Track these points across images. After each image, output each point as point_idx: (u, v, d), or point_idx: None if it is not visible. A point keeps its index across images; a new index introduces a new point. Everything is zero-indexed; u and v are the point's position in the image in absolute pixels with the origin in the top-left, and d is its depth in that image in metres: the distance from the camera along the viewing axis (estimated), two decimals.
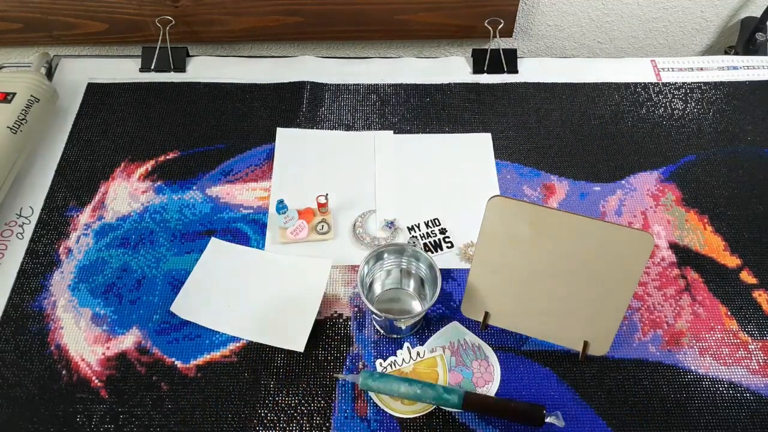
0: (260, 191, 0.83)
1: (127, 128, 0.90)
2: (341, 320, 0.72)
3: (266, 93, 0.94)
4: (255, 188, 0.84)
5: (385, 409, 0.65)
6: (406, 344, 0.69)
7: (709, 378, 0.69)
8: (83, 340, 0.70)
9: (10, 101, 0.84)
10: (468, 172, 0.86)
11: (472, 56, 0.99)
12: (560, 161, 0.87)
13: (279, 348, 0.69)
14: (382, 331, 0.71)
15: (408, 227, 0.80)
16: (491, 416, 0.65)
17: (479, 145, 0.89)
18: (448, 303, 0.74)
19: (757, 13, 1.07)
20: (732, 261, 0.78)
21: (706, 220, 0.82)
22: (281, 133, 0.90)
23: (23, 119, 0.83)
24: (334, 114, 0.92)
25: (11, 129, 0.81)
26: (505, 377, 0.68)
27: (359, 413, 0.66)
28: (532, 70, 0.98)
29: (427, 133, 0.90)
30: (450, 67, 0.99)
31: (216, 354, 0.69)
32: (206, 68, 0.97)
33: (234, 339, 0.70)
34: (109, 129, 0.90)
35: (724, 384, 0.68)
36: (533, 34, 1.12)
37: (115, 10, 0.98)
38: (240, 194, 0.83)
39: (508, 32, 1.04)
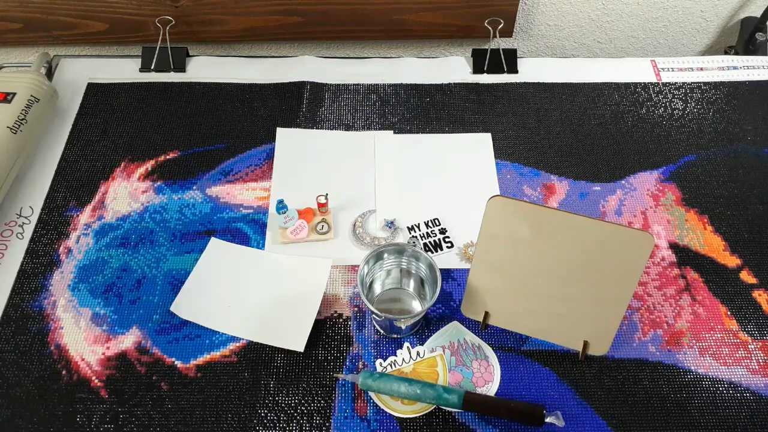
0: (260, 191, 0.83)
1: (127, 128, 0.90)
2: (341, 320, 0.72)
3: (266, 93, 0.94)
4: (255, 188, 0.84)
5: (385, 409, 0.65)
6: (406, 344, 0.69)
7: (709, 378, 0.69)
8: (83, 340, 0.70)
9: (10, 101, 0.84)
10: (468, 172, 0.86)
11: (472, 56, 0.99)
12: (560, 161, 0.87)
13: (279, 348, 0.69)
14: (382, 331, 0.71)
15: (408, 227, 0.80)
16: (491, 416, 0.65)
17: (479, 145, 0.89)
18: (448, 303, 0.74)
19: (757, 13, 1.07)
20: (732, 261, 0.78)
21: (706, 220, 0.82)
22: (281, 133, 0.90)
23: (23, 119, 0.83)
24: (334, 114, 0.92)
25: (11, 129, 0.81)
26: (505, 377, 0.68)
27: (359, 413, 0.66)
28: (532, 70, 0.98)
29: (427, 133, 0.90)
30: (450, 67, 0.99)
31: (216, 354, 0.69)
32: (206, 68, 0.97)
33: (234, 339, 0.70)
34: (109, 129, 0.90)
35: (724, 384, 0.68)
36: (533, 34, 1.12)
37: (115, 10, 0.98)
38: (240, 194, 0.83)
39: (508, 32, 1.04)
